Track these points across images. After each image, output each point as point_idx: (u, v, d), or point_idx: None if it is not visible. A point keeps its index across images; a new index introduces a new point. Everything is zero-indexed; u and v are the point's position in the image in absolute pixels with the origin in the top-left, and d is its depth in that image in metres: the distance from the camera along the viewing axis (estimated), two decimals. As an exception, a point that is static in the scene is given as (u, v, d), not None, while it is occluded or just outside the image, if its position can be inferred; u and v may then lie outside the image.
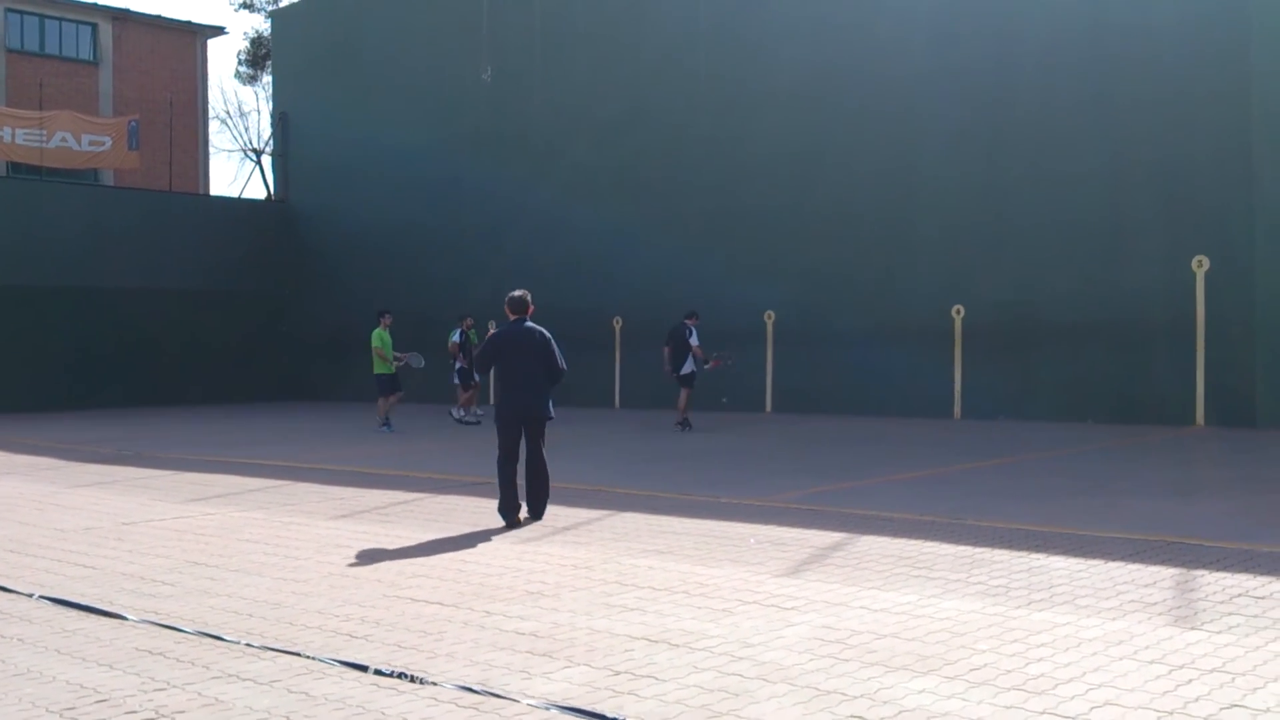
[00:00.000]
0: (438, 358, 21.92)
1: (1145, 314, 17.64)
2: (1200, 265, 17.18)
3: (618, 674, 5.09)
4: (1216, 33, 17.16)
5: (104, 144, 30.96)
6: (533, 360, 9.60)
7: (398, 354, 19.19)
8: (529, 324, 9.72)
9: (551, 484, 9.70)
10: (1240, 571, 6.91)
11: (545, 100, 25.19)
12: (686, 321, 18.01)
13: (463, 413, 20.28)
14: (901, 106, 20.08)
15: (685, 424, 17.94)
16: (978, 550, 7.77)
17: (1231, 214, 16.97)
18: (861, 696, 4.71)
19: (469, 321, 20.77)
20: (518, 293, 9.92)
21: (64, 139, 30.30)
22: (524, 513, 9.54)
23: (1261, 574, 6.82)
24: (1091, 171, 18.18)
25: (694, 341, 17.88)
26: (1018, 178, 18.90)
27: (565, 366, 9.74)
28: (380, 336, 18.97)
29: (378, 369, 19.09)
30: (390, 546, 8.44)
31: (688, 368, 17.98)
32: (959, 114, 19.49)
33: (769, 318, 21.78)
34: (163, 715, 4.67)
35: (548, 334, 9.70)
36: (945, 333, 19.59)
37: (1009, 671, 5.00)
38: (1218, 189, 17.09)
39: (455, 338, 20.42)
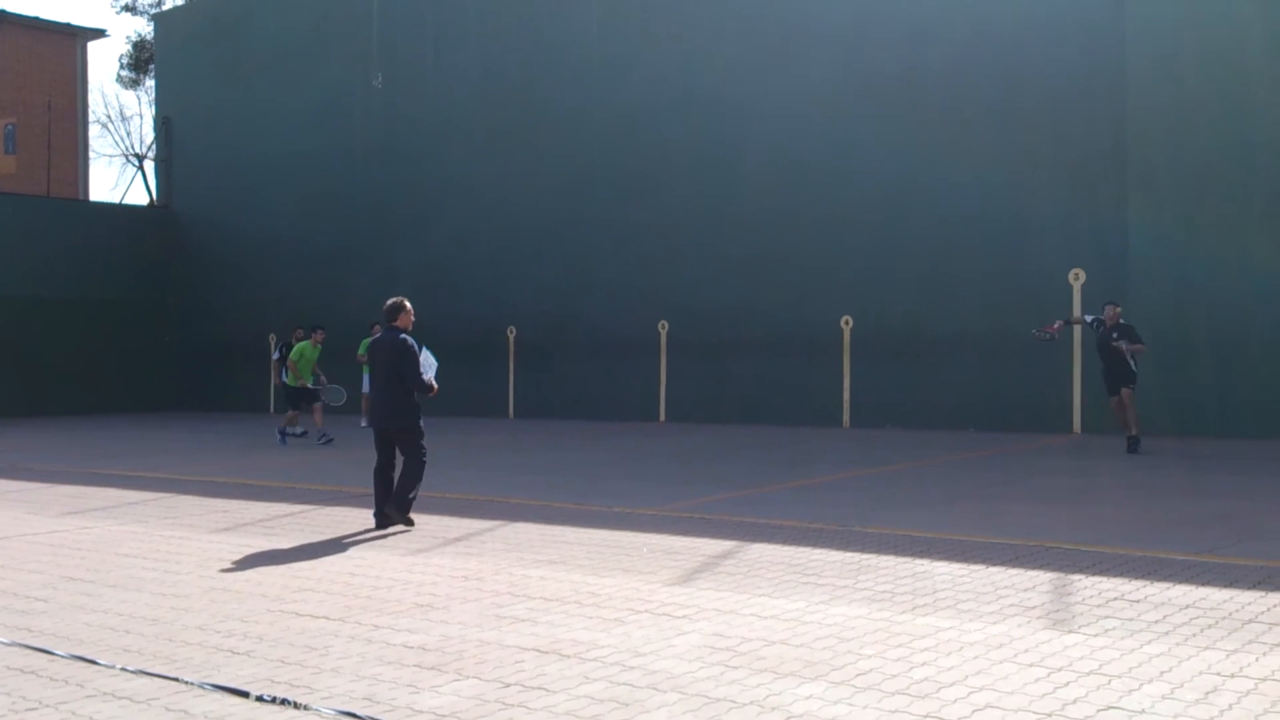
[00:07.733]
0: (335, 369, 21.57)
1: (1026, 325, 18.13)
2: (1077, 278, 17.77)
3: (508, 686, 5.05)
4: (1095, 54, 17.76)
5: (-23, 147, 29.90)
6: (388, 368, 9.62)
7: (323, 379, 18.74)
8: (402, 335, 9.66)
9: (444, 495, 9.58)
10: (1115, 576, 7.13)
11: (438, 106, 24.98)
12: (1104, 317, 14.70)
13: (285, 431, 19.04)
14: (795, 115, 20.36)
15: (1135, 441, 14.25)
16: (864, 556, 7.90)
17: (1106, 230, 17.60)
18: (751, 704, 4.74)
19: (298, 333, 19.72)
20: (391, 300, 9.88)
21: (-65, 142, 29.21)
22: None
23: (1136, 578, 7.05)
24: (975, 187, 18.66)
25: (1124, 345, 14.23)
26: (905, 192, 19.31)
27: (426, 381, 9.60)
28: (300, 350, 18.63)
29: (290, 380, 18.74)
30: (275, 560, 8.25)
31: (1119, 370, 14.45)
32: (851, 126, 19.82)
33: (663, 327, 21.88)
34: (32, 738, 4.50)
35: (410, 343, 9.63)
36: (835, 343, 19.91)
37: (894, 676, 5.08)
38: (1094, 206, 17.71)
39: (275, 354, 19.84)
